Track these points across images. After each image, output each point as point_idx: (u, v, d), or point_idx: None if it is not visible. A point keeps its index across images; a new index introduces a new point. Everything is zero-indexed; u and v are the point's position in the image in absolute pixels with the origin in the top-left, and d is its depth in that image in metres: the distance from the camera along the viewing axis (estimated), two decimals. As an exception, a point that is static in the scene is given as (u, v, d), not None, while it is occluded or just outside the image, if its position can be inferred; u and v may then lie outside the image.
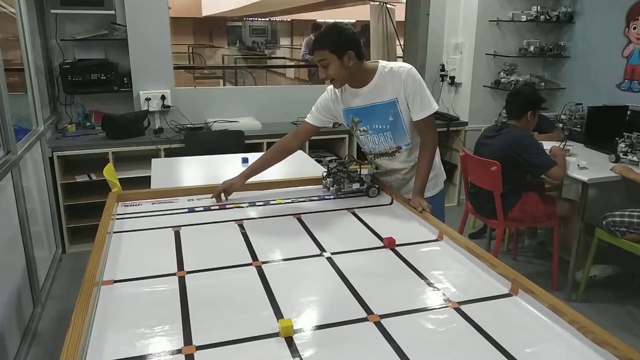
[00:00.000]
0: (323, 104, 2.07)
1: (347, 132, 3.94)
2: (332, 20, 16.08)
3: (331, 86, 2.02)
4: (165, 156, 3.44)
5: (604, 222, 2.75)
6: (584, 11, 4.09)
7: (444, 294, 1.26)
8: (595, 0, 3.98)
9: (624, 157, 2.94)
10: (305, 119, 2.13)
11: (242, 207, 1.89)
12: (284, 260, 1.47)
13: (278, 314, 1.16)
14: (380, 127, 1.95)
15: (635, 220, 2.63)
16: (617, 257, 3.03)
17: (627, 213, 2.67)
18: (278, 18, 16.98)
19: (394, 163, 2.04)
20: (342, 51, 1.77)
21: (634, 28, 3.67)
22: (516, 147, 2.75)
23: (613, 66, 3.83)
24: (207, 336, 1.08)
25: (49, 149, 3.23)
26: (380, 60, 1.93)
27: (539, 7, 4.12)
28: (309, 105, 4.57)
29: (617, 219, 2.69)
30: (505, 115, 3.00)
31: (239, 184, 1.98)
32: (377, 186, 2.02)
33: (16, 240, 2.47)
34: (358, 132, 2.02)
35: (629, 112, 3.42)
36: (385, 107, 1.90)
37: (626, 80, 3.76)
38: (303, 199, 1.98)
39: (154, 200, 1.94)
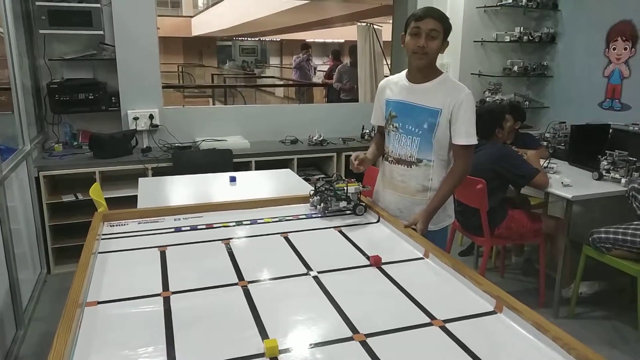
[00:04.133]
0: (376, 100, 2.13)
1: (335, 150, 3.97)
2: (320, 40, 16.27)
3: (384, 81, 2.10)
4: (153, 175, 3.43)
5: (590, 239, 2.78)
6: (565, 32, 4.20)
7: (429, 312, 1.27)
8: (576, 22, 4.10)
9: (606, 174, 2.99)
10: (371, 121, 2.20)
11: (229, 226, 1.89)
12: (270, 279, 1.46)
13: (263, 334, 1.15)
14: (412, 129, 1.94)
15: (620, 236, 2.66)
16: (603, 274, 3.05)
17: (612, 229, 2.71)
18: (267, 38, 17.16)
19: (408, 176, 1.99)
20: (447, 35, 1.87)
21: (614, 49, 3.77)
22: (500, 160, 2.81)
23: (595, 85, 3.92)
24: (192, 357, 1.07)
25: (35, 168, 3.21)
26: (444, 72, 1.98)
27: (522, 28, 4.22)
28: (298, 124, 4.62)
29: (603, 235, 2.72)
30: None
31: (369, 160, 2.06)
32: (363, 204, 2.03)
33: (-1, 261, 2.43)
34: (391, 127, 2.01)
35: (610, 131, 3.50)
36: (426, 112, 1.90)
37: (607, 99, 3.85)
38: (290, 218, 1.98)
39: (140, 220, 1.93)
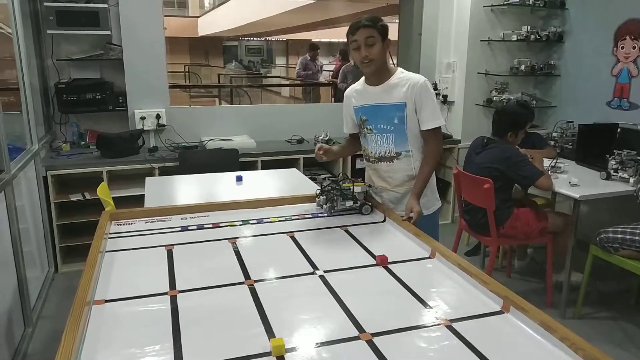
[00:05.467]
0: (345, 110, 2.22)
1: (341, 150, 3.97)
2: (327, 40, 16.27)
3: (348, 90, 2.18)
4: (160, 175, 3.45)
5: (598, 239, 2.76)
6: (572, 31, 4.17)
7: (436, 312, 1.26)
8: (584, 20, 4.07)
9: (614, 174, 2.97)
10: (344, 130, 2.28)
11: (236, 225, 1.89)
12: (277, 278, 1.47)
13: (270, 332, 1.16)
14: (384, 127, 2.03)
15: (628, 236, 2.64)
16: (612, 274, 3.03)
17: (619, 229, 2.69)
18: (274, 37, 17.18)
19: (392, 170, 2.08)
20: (385, 36, 1.96)
21: (622, 47, 3.74)
22: (504, 161, 2.80)
23: (603, 84, 3.89)
24: (198, 355, 1.07)
25: (43, 167, 3.23)
26: (399, 67, 2.06)
27: (529, 27, 4.20)
28: (304, 124, 4.61)
29: (610, 235, 2.70)
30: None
31: (333, 153, 2.14)
32: (370, 204, 2.03)
33: (7, 260, 2.45)
34: (365, 130, 2.10)
35: (619, 130, 3.47)
36: (393, 108, 1.99)
37: (616, 98, 3.82)
38: (296, 217, 1.99)
39: (147, 219, 1.94)
